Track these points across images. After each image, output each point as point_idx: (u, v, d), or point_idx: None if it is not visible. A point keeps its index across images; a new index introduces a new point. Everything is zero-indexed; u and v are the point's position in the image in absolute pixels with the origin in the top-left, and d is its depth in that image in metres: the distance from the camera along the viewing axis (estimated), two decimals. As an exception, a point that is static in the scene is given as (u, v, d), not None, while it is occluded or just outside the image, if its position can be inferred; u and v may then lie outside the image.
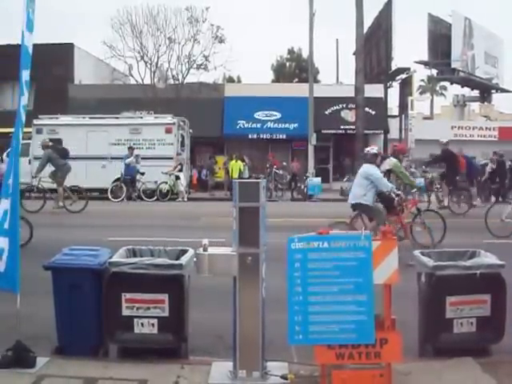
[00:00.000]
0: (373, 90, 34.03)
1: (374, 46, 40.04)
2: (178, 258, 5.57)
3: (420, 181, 19.35)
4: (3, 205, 5.26)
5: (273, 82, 51.20)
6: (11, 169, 5.33)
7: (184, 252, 5.70)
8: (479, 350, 5.46)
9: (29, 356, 5.14)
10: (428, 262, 5.50)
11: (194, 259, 5.07)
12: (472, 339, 5.46)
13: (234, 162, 28.95)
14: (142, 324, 5.36)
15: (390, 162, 12.98)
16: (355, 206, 11.06)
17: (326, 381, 4.69)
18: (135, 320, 5.36)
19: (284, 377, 4.81)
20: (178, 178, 25.53)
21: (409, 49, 74.88)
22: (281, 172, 29.08)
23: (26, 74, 5.35)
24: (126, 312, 5.35)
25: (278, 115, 34.78)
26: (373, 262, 4.71)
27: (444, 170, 19.19)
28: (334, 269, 4.70)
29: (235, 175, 27.90)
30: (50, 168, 19.87)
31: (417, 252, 5.84)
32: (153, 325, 5.35)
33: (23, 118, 5.40)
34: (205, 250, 4.95)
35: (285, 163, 31.10)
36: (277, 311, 5.09)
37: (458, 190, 18.93)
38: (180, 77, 36.21)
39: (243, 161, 29.48)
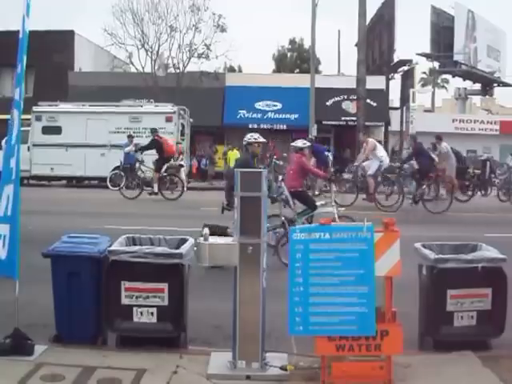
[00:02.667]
0: (374, 82, 33.89)
1: (376, 38, 39.94)
2: (177, 247, 5.54)
3: None
4: (6, 190, 5.22)
5: (274, 72, 51.05)
6: (10, 154, 5.28)
7: (184, 241, 5.67)
8: (479, 343, 5.45)
9: (27, 344, 5.12)
10: (429, 255, 5.46)
11: (195, 248, 5.03)
12: (472, 333, 5.44)
13: (232, 151, 28.89)
14: (142, 313, 5.33)
15: None
16: None
17: (325, 372, 4.68)
18: (134, 309, 5.33)
19: (283, 368, 4.79)
20: (181, 166, 25.48)
21: (411, 41, 74.59)
22: (281, 163, 29.01)
23: (24, 59, 5.31)
24: (125, 301, 5.33)
25: (279, 105, 34.70)
26: (375, 254, 4.68)
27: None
28: (335, 260, 4.68)
29: (233, 165, 27.81)
30: None
31: (418, 244, 5.81)
32: (152, 314, 5.33)
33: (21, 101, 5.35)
34: (205, 239, 4.92)
35: (285, 154, 31.04)
36: (277, 302, 5.07)
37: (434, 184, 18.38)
38: (181, 65, 36.06)
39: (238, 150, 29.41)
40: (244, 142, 10.10)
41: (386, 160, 19.03)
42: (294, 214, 10.41)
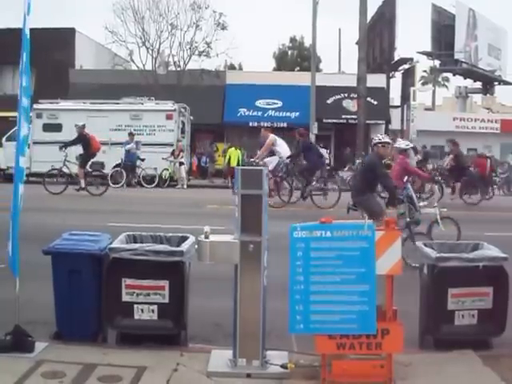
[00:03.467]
0: (375, 80, 33.91)
1: (377, 36, 39.93)
2: (178, 245, 5.54)
3: None
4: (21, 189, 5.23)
5: (274, 70, 51.04)
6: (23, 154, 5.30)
7: (185, 239, 5.67)
8: (480, 342, 5.44)
9: (27, 341, 5.12)
10: (431, 254, 5.46)
11: (196, 246, 5.03)
12: (473, 332, 5.43)
13: (233, 149, 28.86)
14: (142, 310, 5.33)
15: None
16: None
17: (326, 371, 4.67)
18: (135, 306, 5.33)
19: (284, 366, 4.78)
20: (181, 164, 25.52)
21: (412, 39, 74.59)
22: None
23: (26, 57, 5.30)
24: (125, 298, 5.32)
25: (280, 103, 34.72)
26: (376, 252, 4.67)
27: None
28: (336, 258, 4.67)
29: (234, 163, 27.81)
30: None
31: (420, 243, 5.81)
32: (153, 311, 5.33)
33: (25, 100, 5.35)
34: (206, 237, 4.91)
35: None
36: (277, 300, 5.06)
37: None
38: (181, 63, 36.10)
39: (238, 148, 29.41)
40: (372, 144, 10.07)
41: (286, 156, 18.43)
42: (418, 215, 10.18)
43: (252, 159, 24.80)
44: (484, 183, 21.02)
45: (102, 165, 23.16)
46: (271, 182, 17.03)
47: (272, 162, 18.08)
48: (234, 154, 28.61)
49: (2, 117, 26.34)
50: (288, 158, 18.00)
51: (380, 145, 9.87)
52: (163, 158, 24.86)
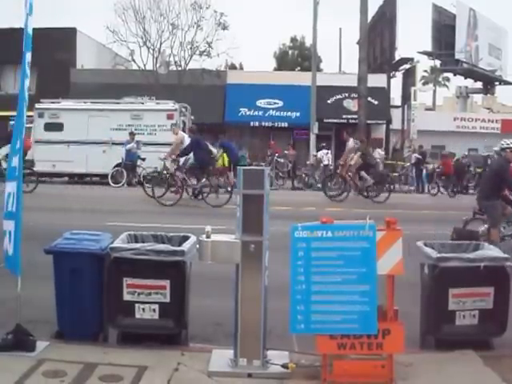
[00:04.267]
0: (376, 80, 33.89)
1: (378, 36, 39.91)
2: (179, 245, 5.54)
3: None
4: (9, 187, 5.23)
5: (275, 70, 51.02)
6: (13, 152, 5.29)
7: (186, 238, 5.67)
8: (481, 342, 5.44)
9: (29, 340, 5.13)
10: (432, 254, 5.46)
11: (197, 246, 5.03)
12: (474, 332, 5.44)
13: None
14: (143, 309, 5.34)
15: None
16: None
17: (327, 371, 4.68)
18: (136, 305, 5.33)
19: (285, 366, 4.79)
20: None
21: (412, 39, 74.36)
22: (282, 160, 29.04)
23: (28, 56, 5.32)
24: (127, 297, 5.33)
25: (280, 103, 34.72)
26: (377, 252, 4.68)
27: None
28: (337, 258, 4.68)
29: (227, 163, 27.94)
30: None
31: (420, 243, 5.81)
32: (154, 310, 5.33)
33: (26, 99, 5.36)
34: (208, 236, 4.91)
35: (286, 152, 31.04)
36: (278, 300, 5.07)
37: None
38: (182, 63, 36.11)
39: None
40: (498, 148, 10.02)
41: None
42: None
43: (277, 157, 25.24)
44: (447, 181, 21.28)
45: (32, 162, 23.42)
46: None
47: (182, 160, 18.28)
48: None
49: (4, 116, 26.36)
50: (178, 155, 18.23)
51: (509, 150, 9.79)
52: (160, 158, 24.84)
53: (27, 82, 5.34)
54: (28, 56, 5.32)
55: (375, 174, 19.93)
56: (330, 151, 29.14)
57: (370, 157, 20.72)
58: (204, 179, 17.59)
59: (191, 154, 17.92)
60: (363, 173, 19.27)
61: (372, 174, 19.59)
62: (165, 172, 18.23)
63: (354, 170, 19.38)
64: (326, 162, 28.06)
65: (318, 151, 29.32)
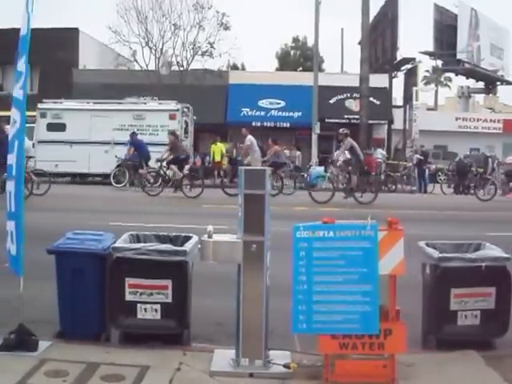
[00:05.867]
0: (377, 80, 33.93)
1: (380, 36, 39.90)
2: (182, 245, 5.55)
3: None
4: (8, 186, 5.24)
5: (277, 70, 51.04)
6: (13, 150, 5.29)
7: (188, 238, 5.68)
8: (483, 343, 5.43)
9: (31, 340, 5.13)
10: (433, 254, 5.46)
11: (199, 246, 5.04)
12: (476, 332, 5.42)
13: (214, 145, 29.25)
14: (145, 309, 5.34)
15: None
16: None
17: (328, 370, 4.67)
18: (138, 305, 5.33)
19: (287, 366, 4.79)
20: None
21: (414, 39, 74.59)
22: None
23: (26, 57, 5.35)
24: (129, 297, 5.33)
25: (282, 103, 34.75)
26: (379, 252, 4.68)
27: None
28: (339, 258, 4.67)
29: (218, 158, 28.29)
30: None
31: (422, 243, 5.81)
32: (156, 310, 5.33)
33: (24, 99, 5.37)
34: (209, 236, 4.92)
35: (287, 152, 31.04)
36: (280, 299, 5.07)
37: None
38: (185, 63, 36.15)
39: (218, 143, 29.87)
40: None
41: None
42: None
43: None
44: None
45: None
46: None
47: None
48: (217, 150, 28.87)
49: (7, 116, 26.37)
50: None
51: None
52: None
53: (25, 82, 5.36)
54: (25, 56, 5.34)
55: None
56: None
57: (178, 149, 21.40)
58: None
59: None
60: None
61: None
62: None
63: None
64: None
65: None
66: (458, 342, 5.32)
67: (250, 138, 20.13)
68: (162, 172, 20.37)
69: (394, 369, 4.69)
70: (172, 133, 21.50)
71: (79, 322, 5.43)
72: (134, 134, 22.05)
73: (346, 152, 19.18)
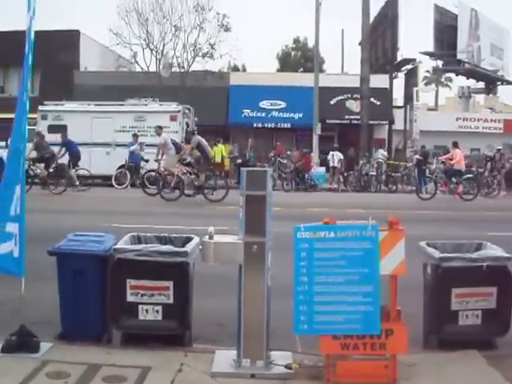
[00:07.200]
0: (378, 81, 33.92)
1: (380, 36, 39.86)
2: (183, 246, 5.55)
3: None
4: (16, 191, 5.25)
5: (278, 71, 51.03)
6: (18, 154, 5.31)
7: (189, 239, 5.69)
8: (484, 342, 5.44)
9: (32, 341, 5.14)
10: (434, 254, 5.47)
11: (200, 247, 5.04)
12: (477, 332, 5.43)
13: (216, 146, 29.33)
14: (147, 311, 5.35)
15: None
16: None
17: (330, 371, 4.68)
18: (140, 307, 5.34)
19: (288, 366, 4.79)
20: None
21: (414, 39, 74.52)
22: (285, 161, 29.07)
23: (30, 58, 5.35)
24: (130, 298, 5.34)
25: (283, 104, 34.73)
26: (379, 253, 4.68)
27: None
28: (340, 259, 4.68)
29: (218, 159, 28.43)
30: None
31: (423, 243, 5.81)
32: (157, 311, 5.34)
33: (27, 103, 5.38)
34: (210, 237, 4.92)
35: (289, 152, 31.06)
36: (281, 300, 5.08)
37: None
38: (185, 65, 36.15)
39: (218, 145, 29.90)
40: None
41: None
42: None
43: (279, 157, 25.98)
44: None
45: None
46: None
47: None
48: (217, 151, 28.91)
49: (9, 118, 26.39)
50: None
51: None
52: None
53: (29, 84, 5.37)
54: (30, 57, 5.35)
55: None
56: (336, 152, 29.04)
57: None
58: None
59: None
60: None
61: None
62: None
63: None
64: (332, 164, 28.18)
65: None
66: (459, 342, 5.33)
67: (163, 137, 20.31)
68: (29, 170, 20.88)
69: (395, 369, 4.70)
70: (37, 133, 22.27)
71: (80, 324, 5.44)
72: (64, 135, 22.51)
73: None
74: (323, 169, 28.52)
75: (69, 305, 5.44)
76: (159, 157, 20.44)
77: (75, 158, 22.71)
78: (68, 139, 22.65)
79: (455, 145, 23.03)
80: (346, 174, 27.88)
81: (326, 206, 16.73)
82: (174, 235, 5.87)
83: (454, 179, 22.09)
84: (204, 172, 19.06)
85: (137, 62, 37.18)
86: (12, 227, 5.24)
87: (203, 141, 19.69)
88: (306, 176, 26.65)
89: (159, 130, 21.18)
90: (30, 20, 5.28)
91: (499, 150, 28.79)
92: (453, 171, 22.20)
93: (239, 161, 28.31)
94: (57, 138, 22.98)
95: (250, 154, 29.95)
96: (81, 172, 23.06)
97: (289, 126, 34.37)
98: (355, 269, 4.67)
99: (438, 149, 33.81)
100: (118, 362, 4.97)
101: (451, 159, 22.44)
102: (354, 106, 34.52)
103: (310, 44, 50.37)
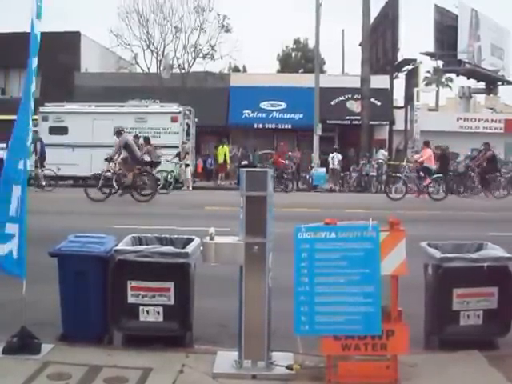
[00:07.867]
0: (378, 81, 33.93)
1: (380, 37, 39.88)
2: (184, 247, 5.55)
3: None
4: (15, 191, 5.25)
5: (278, 72, 51.04)
6: (20, 155, 5.31)
7: (190, 240, 5.68)
8: (485, 342, 5.43)
9: (34, 342, 5.14)
10: (435, 254, 5.46)
11: (201, 248, 5.04)
12: (478, 332, 5.42)
13: (221, 147, 29.36)
14: (148, 312, 5.35)
15: None
16: None
17: (331, 372, 4.68)
18: (140, 308, 5.34)
19: (289, 367, 4.79)
20: (187, 165, 25.60)
21: (415, 40, 74.57)
22: (286, 162, 29.10)
23: (34, 61, 5.36)
24: (131, 300, 5.34)
25: (284, 105, 34.74)
26: (380, 253, 4.68)
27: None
28: (341, 259, 4.68)
29: (221, 160, 28.53)
30: None
31: (424, 243, 5.81)
32: (158, 313, 5.34)
33: (32, 104, 5.38)
34: (211, 238, 4.92)
35: (290, 153, 31.08)
36: (282, 301, 5.07)
37: None
38: (186, 66, 36.16)
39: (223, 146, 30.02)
40: None
41: None
42: None
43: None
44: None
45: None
46: None
47: None
48: (220, 152, 28.96)
49: (9, 120, 26.42)
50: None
51: None
52: (167, 160, 24.88)
53: (33, 86, 5.37)
54: (34, 61, 5.35)
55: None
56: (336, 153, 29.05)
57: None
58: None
59: None
60: None
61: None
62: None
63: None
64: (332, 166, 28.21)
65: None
66: (461, 342, 5.32)
67: (124, 137, 20.27)
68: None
69: (396, 369, 4.69)
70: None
71: (82, 325, 5.44)
72: (36, 132, 22.58)
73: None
74: (324, 169, 28.52)
75: (70, 306, 5.44)
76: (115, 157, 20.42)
77: (42, 158, 23.32)
78: (40, 138, 23.34)
79: (426, 144, 23.73)
80: (342, 175, 27.92)
81: (327, 207, 16.73)
82: (175, 236, 5.87)
83: (421, 173, 22.37)
84: (131, 171, 19.14)
85: (137, 64, 37.24)
86: (12, 228, 5.24)
87: (130, 140, 19.91)
88: (307, 176, 26.70)
89: (120, 129, 20.85)
90: (33, 24, 5.28)
91: (483, 149, 28.38)
92: (421, 168, 22.64)
93: (244, 162, 28.33)
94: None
95: (253, 156, 30.08)
96: (47, 172, 23.52)
97: (289, 126, 34.37)
98: (356, 269, 4.67)
99: (439, 149, 33.75)
100: (119, 363, 4.97)
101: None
102: (354, 106, 34.53)
103: (311, 45, 50.49)
